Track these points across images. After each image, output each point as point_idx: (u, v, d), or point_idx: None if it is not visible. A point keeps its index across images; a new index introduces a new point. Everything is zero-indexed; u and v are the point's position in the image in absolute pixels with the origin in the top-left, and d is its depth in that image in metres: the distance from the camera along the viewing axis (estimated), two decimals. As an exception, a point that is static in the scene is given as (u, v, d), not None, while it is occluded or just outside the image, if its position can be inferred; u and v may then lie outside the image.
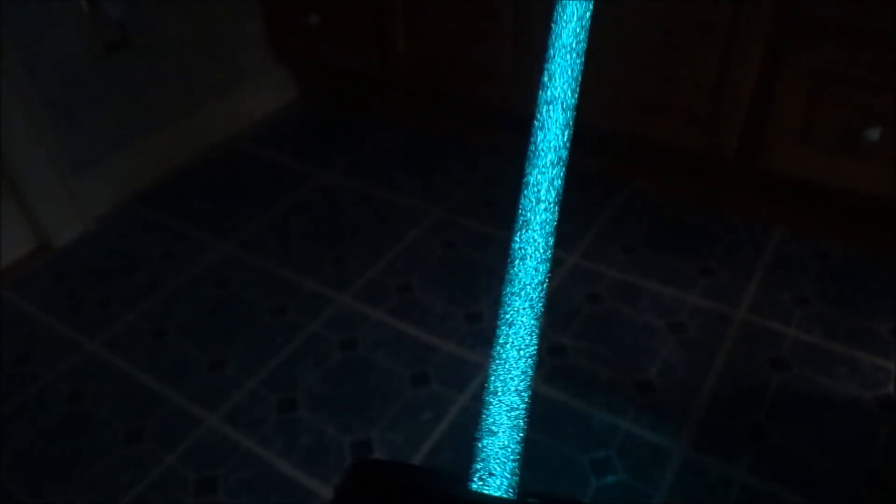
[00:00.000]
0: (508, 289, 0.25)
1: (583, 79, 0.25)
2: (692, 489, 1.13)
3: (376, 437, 1.24)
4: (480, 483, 0.24)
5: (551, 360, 1.35)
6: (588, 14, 0.25)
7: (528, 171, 0.25)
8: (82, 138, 1.72)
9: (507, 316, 0.25)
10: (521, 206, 0.26)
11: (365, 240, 1.68)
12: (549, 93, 0.25)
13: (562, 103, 0.25)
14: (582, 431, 1.22)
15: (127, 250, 1.70)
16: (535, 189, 0.25)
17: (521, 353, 0.25)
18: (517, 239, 0.25)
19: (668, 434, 1.21)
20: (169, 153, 1.94)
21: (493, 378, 0.25)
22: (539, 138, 0.25)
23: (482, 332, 1.42)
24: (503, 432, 0.25)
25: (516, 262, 0.25)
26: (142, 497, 1.16)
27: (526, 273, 0.25)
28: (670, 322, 1.42)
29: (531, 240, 0.25)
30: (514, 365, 0.25)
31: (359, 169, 1.94)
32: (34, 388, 1.36)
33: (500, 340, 0.25)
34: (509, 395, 0.25)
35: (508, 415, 0.25)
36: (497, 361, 0.25)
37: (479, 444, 0.25)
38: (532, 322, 0.25)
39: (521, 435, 0.25)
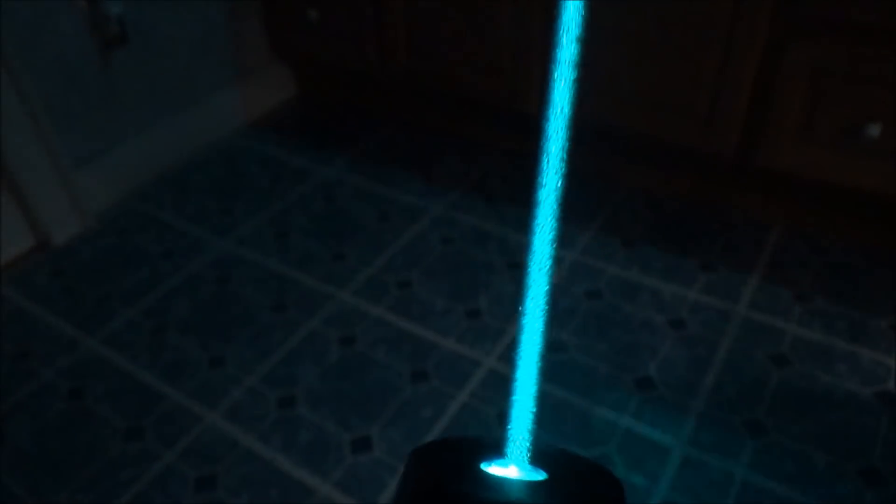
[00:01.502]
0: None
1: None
2: (692, 485, 1.13)
3: (376, 433, 1.24)
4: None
5: (552, 357, 1.35)
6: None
7: None
8: (81, 135, 1.72)
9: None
10: None
11: (364, 236, 1.68)
12: None
13: None
14: (582, 428, 1.22)
15: (126, 247, 1.69)
16: None
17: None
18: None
19: (669, 430, 1.21)
20: (168, 150, 1.94)
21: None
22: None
23: (482, 329, 1.42)
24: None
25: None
26: (141, 494, 1.16)
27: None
28: (670, 318, 1.42)
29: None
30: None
31: (358, 165, 1.93)
32: (33, 385, 1.36)
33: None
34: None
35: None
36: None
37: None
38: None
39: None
